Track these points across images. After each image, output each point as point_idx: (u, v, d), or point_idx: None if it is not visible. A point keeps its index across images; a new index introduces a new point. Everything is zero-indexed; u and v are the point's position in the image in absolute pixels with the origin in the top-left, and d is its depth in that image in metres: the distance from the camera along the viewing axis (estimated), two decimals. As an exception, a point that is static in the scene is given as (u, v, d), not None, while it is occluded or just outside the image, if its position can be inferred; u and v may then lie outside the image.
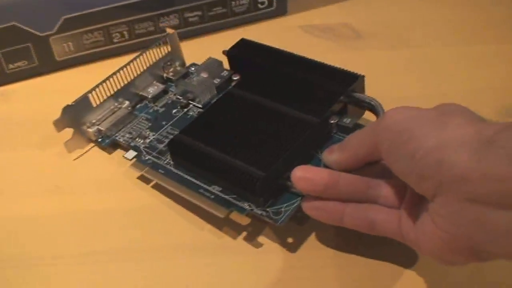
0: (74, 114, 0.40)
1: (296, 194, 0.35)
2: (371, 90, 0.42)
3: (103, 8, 0.44)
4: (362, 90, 0.40)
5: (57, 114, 0.39)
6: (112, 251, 0.35)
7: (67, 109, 0.39)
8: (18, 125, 0.43)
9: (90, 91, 0.41)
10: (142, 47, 0.43)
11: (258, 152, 0.35)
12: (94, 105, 0.41)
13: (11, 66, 0.45)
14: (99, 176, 0.40)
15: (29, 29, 0.43)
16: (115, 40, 0.46)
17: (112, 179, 0.39)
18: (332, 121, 0.38)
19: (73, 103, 0.40)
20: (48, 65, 0.46)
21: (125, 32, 0.46)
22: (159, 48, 0.44)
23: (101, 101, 0.41)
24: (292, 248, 0.35)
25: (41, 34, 0.44)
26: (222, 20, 0.48)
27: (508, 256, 0.26)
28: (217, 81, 0.43)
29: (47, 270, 0.34)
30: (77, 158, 0.41)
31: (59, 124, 0.39)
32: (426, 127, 0.28)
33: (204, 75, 0.43)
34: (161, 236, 0.36)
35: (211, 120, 0.38)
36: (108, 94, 0.42)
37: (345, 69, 0.40)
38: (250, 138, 0.36)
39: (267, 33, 0.49)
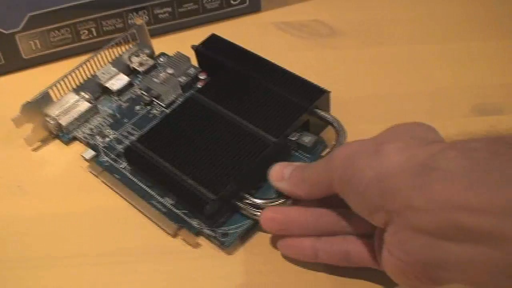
0: (35, 110, 0.39)
1: (246, 217, 0.35)
2: (346, 88, 0.43)
3: (70, 5, 0.42)
4: (327, 105, 0.39)
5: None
6: (69, 255, 0.35)
7: (26, 106, 0.39)
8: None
9: (51, 86, 0.40)
10: (110, 46, 0.42)
11: (212, 170, 0.35)
12: (55, 99, 0.40)
13: (-23, 64, 0.44)
14: (58, 173, 0.39)
15: (-6, 27, 0.42)
16: (83, 37, 0.45)
17: (70, 176, 0.39)
18: (292, 138, 0.37)
19: (33, 100, 0.39)
20: (15, 63, 0.44)
21: (93, 29, 0.44)
22: (127, 39, 0.43)
23: (63, 95, 0.41)
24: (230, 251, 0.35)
25: (6, 32, 0.42)
26: (193, 17, 0.47)
27: (466, 283, 0.26)
28: (182, 79, 0.42)
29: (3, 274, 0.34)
30: (35, 150, 0.41)
31: (19, 121, 0.39)
32: (364, 160, 0.28)
33: (170, 71, 0.43)
34: (114, 239, 0.36)
35: (168, 129, 0.38)
36: (72, 87, 0.41)
37: (312, 82, 0.39)
38: (205, 154, 0.36)
39: (240, 31, 0.47)
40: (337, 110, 0.39)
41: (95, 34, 0.45)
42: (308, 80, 0.39)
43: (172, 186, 0.35)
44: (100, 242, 0.36)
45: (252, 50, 0.42)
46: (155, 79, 0.42)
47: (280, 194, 0.35)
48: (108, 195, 0.38)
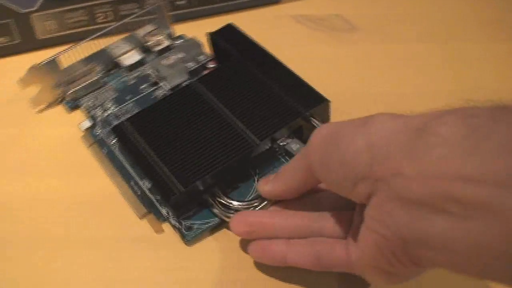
0: (43, 73, 0.40)
1: (214, 215, 0.34)
2: (361, 85, 0.41)
3: (87, -13, 0.42)
4: (326, 114, 0.38)
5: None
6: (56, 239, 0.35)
7: (33, 68, 0.40)
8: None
9: (62, 52, 0.40)
10: (126, 29, 0.42)
11: (188, 162, 0.34)
12: (64, 67, 0.41)
13: (-9, 41, 0.44)
14: (54, 142, 0.40)
15: (10, 4, 0.42)
16: (98, 21, 0.45)
17: (65, 148, 0.39)
18: (281, 143, 0.36)
19: (40, 64, 0.40)
20: (30, 43, 0.45)
21: (109, 13, 0.44)
22: (145, 21, 0.43)
23: (73, 63, 0.41)
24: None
25: (22, 11, 0.43)
26: (211, 5, 0.46)
27: (448, 266, 0.23)
28: (191, 64, 0.42)
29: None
30: (39, 112, 0.41)
31: (24, 82, 0.40)
32: (352, 132, 0.27)
33: (180, 55, 0.43)
34: (97, 225, 0.35)
35: (160, 114, 0.38)
36: (84, 57, 0.41)
37: (315, 89, 0.37)
38: (187, 144, 0.35)
39: (257, 22, 0.46)
40: (349, 106, 0.38)
41: (111, 18, 0.45)
42: (312, 86, 0.37)
43: (148, 171, 0.35)
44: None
45: (268, 42, 0.41)
46: (164, 61, 0.42)
47: (255, 197, 0.34)
48: (94, 175, 0.38)
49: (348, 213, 0.30)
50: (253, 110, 0.37)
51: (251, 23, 0.44)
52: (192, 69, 0.42)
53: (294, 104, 0.36)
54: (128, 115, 0.39)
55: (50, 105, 0.42)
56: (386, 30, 0.46)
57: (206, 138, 0.36)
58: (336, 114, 0.37)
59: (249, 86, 0.38)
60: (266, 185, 0.33)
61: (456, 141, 0.22)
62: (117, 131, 0.37)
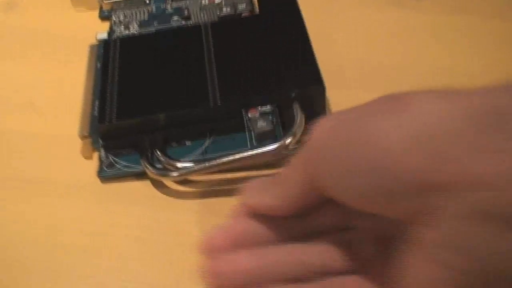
0: None
1: (139, 163, 0.32)
2: (417, 58, 0.38)
3: None
4: (320, 103, 0.33)
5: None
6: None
7: None
8: (22, 36, 0.42)
9: None
10: None
11: (140, 98, 0.32)
12: None
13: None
14: (68, 44, 0.40)
15: None
16: None
17: (74, 52, 0.39)
18: (249, 115, 0.32)
19: None
20: None
21: None
22: None
23: None
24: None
25: None
26: None
27: None
28: (227, 10, 0.39)
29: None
30: (78, 12, 0.42)
31: None
32: (377, 120, 0.19)
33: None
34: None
35: (152, 44, 0.36)
36: None
37: (320, 71, 0.32)
38: (152, 82, 0.33)
39: None
40: (397, 83, 0.35)
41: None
42: (318, 65, 0.32)
43: (102, 94, 0.34)
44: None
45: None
46: (205, 0, 0.40)
47: (191, 161, 0.31)
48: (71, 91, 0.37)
49: (346, 235, 0.23)
50: (239, 72, 0.33)
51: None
52: (225, 14, 0.39)
53: (283, 79, 0.32)
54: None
55: (90, 9, 0.42)
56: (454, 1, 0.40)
57: (174, 81, 0.33)
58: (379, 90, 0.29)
59: (254, 48, 0.35)
60: (254, 197, 0.23)
61: None
62: (106, 48, 0.36)
